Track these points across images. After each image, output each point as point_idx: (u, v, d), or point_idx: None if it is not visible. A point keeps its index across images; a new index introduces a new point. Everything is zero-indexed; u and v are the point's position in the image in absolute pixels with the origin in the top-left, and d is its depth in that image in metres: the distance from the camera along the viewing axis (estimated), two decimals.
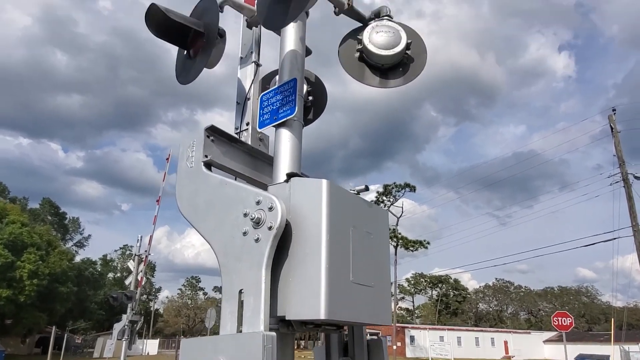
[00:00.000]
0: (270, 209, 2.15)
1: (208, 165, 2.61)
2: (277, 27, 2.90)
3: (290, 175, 2.33)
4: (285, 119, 2.70)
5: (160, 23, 2.94)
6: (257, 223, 2.16)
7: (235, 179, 2.87)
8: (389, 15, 3.37)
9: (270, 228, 2.11)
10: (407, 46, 3.20)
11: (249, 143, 3.06)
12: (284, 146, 2.65)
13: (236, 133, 3.22)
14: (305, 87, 3.44)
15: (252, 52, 3.38)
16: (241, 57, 3.45)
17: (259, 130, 2.90)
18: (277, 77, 3.45)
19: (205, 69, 3.00)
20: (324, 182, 2.19)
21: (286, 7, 2.53)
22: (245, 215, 2.23)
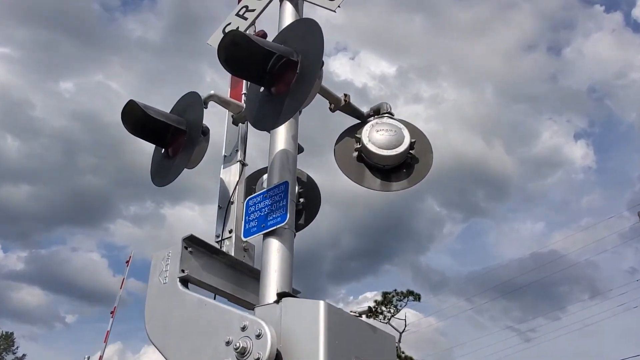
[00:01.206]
0: (258, 336, 2.16)
1: (185, 281, 2.66)
2: (267, 129, 3.11)
3: (281, 295, 2.37)
4: (274, 227, 2.77)
5: (138, 120, 3.16)
6: (241, 354, 2.15)
7: (215, 297, 2.91)
8: (389, 113, 3.64)
9: None
10: (411, 145, 3.45)
11: (232, 254, 3.12)
12: (273, 258, 2.69)
13: (217, 242, 3.30)
14: (296, 188, 3.56)
15: (237, 151, 3.59)
16: (225, 156, 3.67)
17: (244, 239, 2.95)
18: (265, 177, 3.62)
19: (185, 169, 3.17)
20: (322, 304, 2.22)
21: (278, 108, 2.74)
22: (228, 343, 2.23)
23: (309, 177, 4.06)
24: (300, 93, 2.68)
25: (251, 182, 3.92)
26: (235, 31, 2.82)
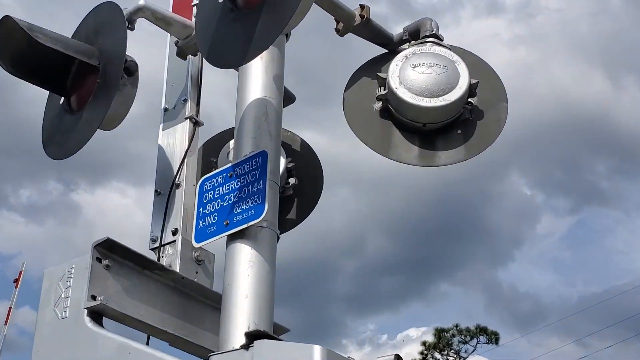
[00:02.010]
0: None
1: (97, 314, 2.64)
2: (232, 65, 3.06)
3: (253, 336, 2.36)
4: (245, 225, 2.78)
5: (18, 50, 3.13)
6: None
7: (148, 340, 2.88)
8: (435, 35, 3.58)
9: None
10: (471, 90, 3.39)
11: (177, 269, 3.11)
12: (243, 276, 2.70)
13: (153, 249, 3.29)
14: (283, 162, 3.62)
15: (184, 101, 3.58)
16: (165, 109, 3.65)
17: (197, 245, 2.97)
18: (231, 144, 3.64)
19: (100, 130, 3.14)
20: (317, 350, 2.22)
21: (249, 29, 2.71)
22: None
23: (304, 144, 4.06)
24: (285, 5, 2.66)
25: (210, 153, 3.93)
26: None
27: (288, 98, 3.76)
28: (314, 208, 3.89)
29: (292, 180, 3.78)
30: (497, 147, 3.41)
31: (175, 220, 3.33)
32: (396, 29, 3.69)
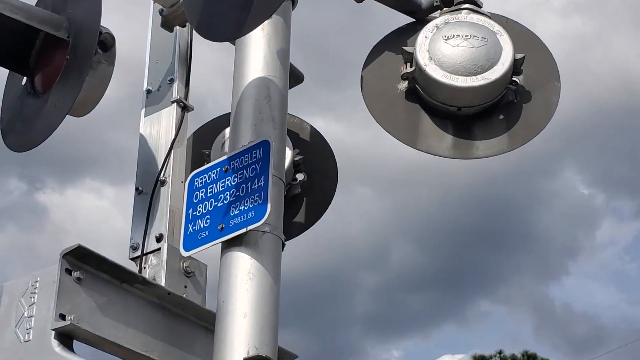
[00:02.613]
0: None
1: (67, 336, 2.64)
2: (228, 38, 3.10)
3: None
4: (243, 230, 2.78)
5: None
6: None
7: None
8: (473, 2, 3.57)
9: None
10: (516, 66, 3.39)
11: (162, 283, 3.12)
12: (242, 290, 2.71)
13: (134, 258, 3.31)
14: (289, 154, 3.63)
15: (171, 81, 3.59)
16: (148, 91, 3.67)
17: (186, 253, 2.97)
18: (226, 132, 3.62)
19: (70, 117, 3.15)
20: None
21: None
22: None
23: (314, 133, 4.07)
24: None
25: (202, 143, 3.96)
26: None
27: (295, 77, 3.77)
28: (327, 209, 3.90)
29: (300, 176, 3.79)
30: (547, 137, 3.37)
31: (160, 224, 3.35)
32: None
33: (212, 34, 2.94)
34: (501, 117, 3.43)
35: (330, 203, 3.89)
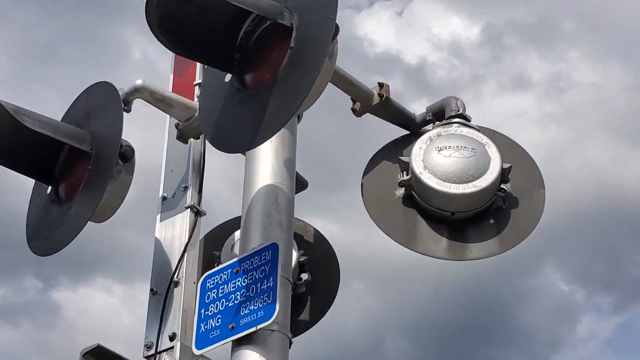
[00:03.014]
0: None
1: None
2: (240, 150, 3.19)
3: None
4: (253, 329, 2.82)
5: (4, 136, 3.22)
6: None
7: None
8: (462, 116, 3.72)
9: None
10: (504, 175, 3.52)
11: None
12: None
13: (147, 357, 3.30)
14: (295, 255, 3.68)
15: (185, 188, 3.67)
16: (164, 198, 3.76)
17: (197, 352, 3.00)
18: (236, 235, 3.72)
19: (91, 223, 3.21)
20: None
21: (258, 113, 2.84)
22: None
23: (318, 235, 4.16)
24: (297, 86, 2.77)
25: (213, 245, 4.03)
26: None
27: (300, 184, 3.86)
28: (330, 307, 3.97)
29: (304, 276, 3.84)
30: (529, 237, 3.48)
31: (173, 323, 3.35)
32: (413, 107, 3.89)
33: (226, 147, 3.03)
34: (491, 221, 3.55)
35: (333, 301, 3.95)
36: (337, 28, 2.82)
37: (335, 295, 3.97)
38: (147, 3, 2.77)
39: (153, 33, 2.84)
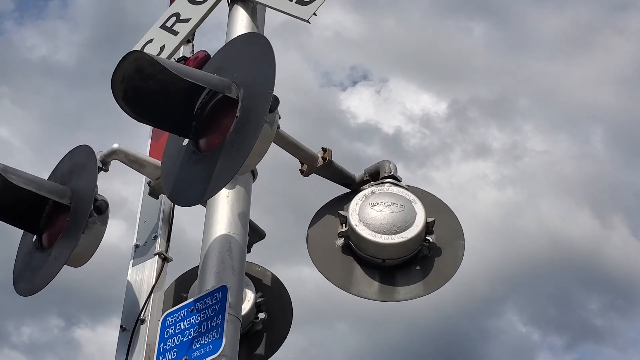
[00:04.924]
0: None
1: None
2: (190, 203, 3.28)
3: None
4: None
5: None
6: None
7: None
8: (393, 177, 3.89)
9: None
10: (428, 228, 3.71)
11: None
12: None
13: None
14: (252, 297, 3.84)
15: (155, 237, 3.82)
16: (136, 246, 3.91)
17: None
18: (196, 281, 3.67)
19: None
20: None
21: (207, 171, 2.99)
22: None
23: (275, 279, 4.29)
24: (240, 149, 2.93)
25: (182, 288, 4.16)
26: (139, 53, 3.11)
27: (258, 234, 4.01)
28: (283, 344, 4.04)
29: (261, 315, 3.95)
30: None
31: (138, 356, 3.47)
32: (355, 170, 4.07)
33: (181, 200, 3.20)
34: (418, 268, 3.72)
35: (285, 338, 4.05)
36: (275, 100, 2.97)
37: (288, 332, 4.07)
38: (112, 78, 2.97)
39: (118, 104, 3.05)
